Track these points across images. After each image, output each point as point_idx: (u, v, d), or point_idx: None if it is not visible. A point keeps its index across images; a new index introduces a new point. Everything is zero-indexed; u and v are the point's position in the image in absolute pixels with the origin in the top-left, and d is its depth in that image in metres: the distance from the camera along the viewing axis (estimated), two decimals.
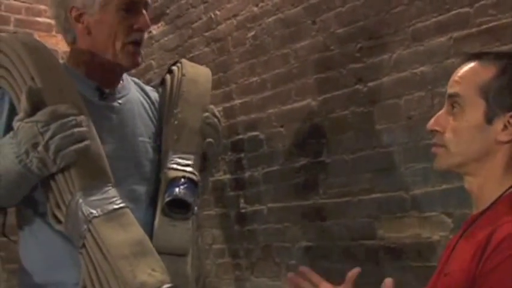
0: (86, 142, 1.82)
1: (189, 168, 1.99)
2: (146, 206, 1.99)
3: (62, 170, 1.81)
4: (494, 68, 1.59)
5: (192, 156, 2.02)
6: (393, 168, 3.14)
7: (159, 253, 1.87)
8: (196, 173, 2.00)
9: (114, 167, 1.87)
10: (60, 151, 1.78)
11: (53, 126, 1.78)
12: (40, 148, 1.77)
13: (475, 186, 1.63)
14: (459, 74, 1.63)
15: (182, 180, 1.96)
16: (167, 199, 1.94)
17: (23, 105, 1.81)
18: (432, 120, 1.64)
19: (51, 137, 1.77)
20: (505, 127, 1.57)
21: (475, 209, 1.65)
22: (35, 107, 1.80)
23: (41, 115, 1.79)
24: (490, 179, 1.60)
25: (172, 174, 1.97)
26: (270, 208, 3.93)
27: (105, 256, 1.74)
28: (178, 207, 1.95)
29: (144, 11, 2.01)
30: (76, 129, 1.80)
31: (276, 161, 3.89)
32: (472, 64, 1.63)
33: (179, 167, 1.99)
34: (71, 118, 1.80)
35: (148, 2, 2.03)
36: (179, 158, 2.01)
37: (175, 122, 2.04)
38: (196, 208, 1.98)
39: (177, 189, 1.94)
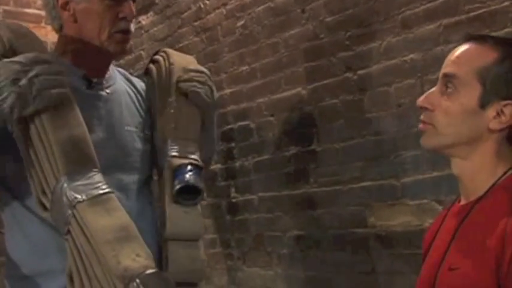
0: (68, 90, 1.81)
1: (191, 155, 1.99)
2: (134, 194, 1.99)
3: (46, 155, 1.79)
4: (495, 53, 1.57)
5: (191, 143, 2.02)
6: (384, 156, 3.14)
7: (175, 240, 1.89)
8: (198, 158, 2.00)
9: (101, 156, 1.86)
10: (44, 90, 1.76)
11: (37, 68, 1.76)
12: (23, 82, 1.74)
13: (464, 171, 1.61)
14: (456, 54, 1.61)
15: (189, 167, 1.96)
16: (178, 186, 1.93)
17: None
18: (423, 97, 1.62)
19: (36, 76, 1.75)
20: (498, 115, 1.56)
21: (464, 197, 1.63)
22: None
23: (23, 57, 1.78)
24: (479, 166, 1.59)
25: (177, 161, 1.97)
26: (261, 197, 3.93)
27: (89, 241, 1.73)
28: (187, 194, 1.95)
29: (130, 1, 1.99)
30: (59, 76, 1.79)
31: (267, 150, 3.89)
32: (471, 46, 1.61)
33: (181, 154, 1.98)
34: (54, 64, 1.80)
35: None
36: (179, 145, 2.01)
37: (171, 111, 2.04)
38: (204, 193, 1.98)
39: (187, 176, 1.95)
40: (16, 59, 1.77)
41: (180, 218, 1.95)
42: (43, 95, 1.76)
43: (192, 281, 1.95)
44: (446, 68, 1.61)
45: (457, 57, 1.61)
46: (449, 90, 1.59)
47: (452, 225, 1.61)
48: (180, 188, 1.94)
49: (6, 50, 1.84)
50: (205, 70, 2.12)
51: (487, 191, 1.56)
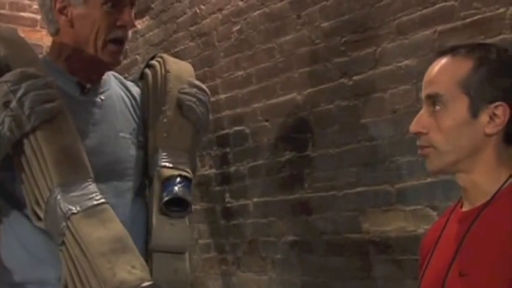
0: (59, 102, 1.80)
1: (181, 166, 1.97)
2: (130, 201, 1.96)
3: (39, 166, 1.78)
4: (471, 61, 1.58)
5: (182, 153, 2.00)
6: (378, 162, 3.14)
7: (159, 252, 1.87)
8: (189, 170, 1.98)
9: (95, 163, 1.85)
10: (35, 107, 1.75)
11: (25, 85, 1.75)
12: (14, 105, 1.73)
13: (469, 182, 1.61)
14: (434, 73, 1.61)
15: (178, 178, 1.94)
16: (166, 198, 1.91)
17: None
18: (414, 122, 1.61)
19: (25, 94, 1.74)
20: (491, 119, 1.56)
21: (468, 204, 1.62)
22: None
23: (10, 75, 1.76)
24: (483, 174, 1.58)
25: (167, 172, 1.95)
26: (256, 202, 3.93)
27: (84, 253, 1.71)
28: (175, 206, 1.93)
29: (130, 8, 1.98)
30: (48, 90, 1.78)
31: (262, 156, 3.89)
32: (445, 61, 1.61)
33: (172, 165, 1.97)
34: (41, 79, 1.78)
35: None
36: (170, 155, 1.98)
37: (164, 120, 2.01)
38: (192, 206, 1.96)
39: (176, 188, 1.92)
40: (3, 78, 1.76)
41: (166, 230, 1.92)
42: (36, 112, 1.75)
43: None
44: (428, 88, 1.61)
45: (435, 75, 1.61)
46: (437, 109, 1.58)
47: (457, 231, 1.60)
48: (168, 200, 1.92)
49: (1, 68, 1.83)
50: (207, 91, 2.11)
51: (493, 196, 1.57)
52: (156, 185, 1.95)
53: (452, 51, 1.63)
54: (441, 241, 1.66)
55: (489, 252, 1.51)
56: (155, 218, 1.93)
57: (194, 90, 2.05)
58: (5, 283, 1.95)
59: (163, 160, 1.97)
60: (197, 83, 2.09)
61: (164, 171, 1.95)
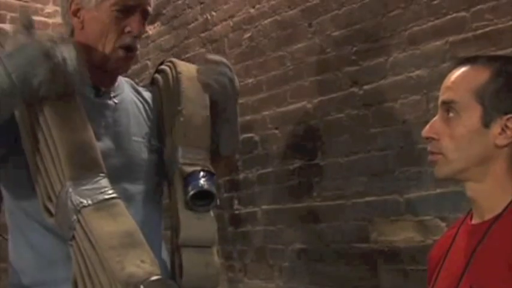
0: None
1: (201, 162, 1.98)
2: (140, 205, 1.97)
3: (53, 161, 1.78)
4: (488, 71, 1.58)
5: (201, 151, 2.01)
6: (388, 172, 3.14)
7: (188, 247, 1.88)
8: (210, 166, 1.99)
9: (107, 165, 1.84)
10: (78, 70, 1.77)
11: (66, 48, 1.78)
12: (58, 58, 1.74)
13: (478, 193, 1.60)
14: (451, 80, 1.61)
15: (202, 172, 1.94)
16: (192, 192, 1.91)
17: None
18: (427, 128, 1.62)
19: (68, 56, 1.76)
20: (503, 130, 1.56)
21: (478, 217, 1.62)
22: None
23: (49, 34, 1.80)
24: (493, 186, 1.58)
25: (189, 168, 1.95)
26: (264, 210, 3.93)
27: (93, 247, 1.70)
28: (200, 200, 1.93)
29: (140, 17, 1.99)
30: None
31: (271, 163, 3.89)
32: (463, 69, 1.61)
33: (192, 162, 1.98)
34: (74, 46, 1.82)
35: (147, 10, 2.01)
36: (190, 152, 1.99)
37: (181, 119, 2.02)
38: (218, 199, 1.97)
39: (201, 182, 1.92)
40: (44, 35, 1.77)
41: (193, 224, 1.93)
42: (77, 75, 1.78)
43: (207, 287, 1.95)
44: (444, 95, 1.62)
45: (452, 82, 1.61)
46: (450, 116, 1.59)
47: (467, 244, 1.60)
48: (193, 194, 1.93)
49: None
50: (224, 61, 2.12)
51: (504, 210, 1.56)
52: (179, 182, 1.95)
53: (473, 60, 1.64)
54: (451, 253, 1.66)
55: (501, 266, 1.50)
56: (181, 214, 1.92)
57: (214, 66, 2.08)
58: (14, 285, 1.96)
59: (183, 157, 1.98)
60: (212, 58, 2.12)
61: (185, 167, 1.96)
